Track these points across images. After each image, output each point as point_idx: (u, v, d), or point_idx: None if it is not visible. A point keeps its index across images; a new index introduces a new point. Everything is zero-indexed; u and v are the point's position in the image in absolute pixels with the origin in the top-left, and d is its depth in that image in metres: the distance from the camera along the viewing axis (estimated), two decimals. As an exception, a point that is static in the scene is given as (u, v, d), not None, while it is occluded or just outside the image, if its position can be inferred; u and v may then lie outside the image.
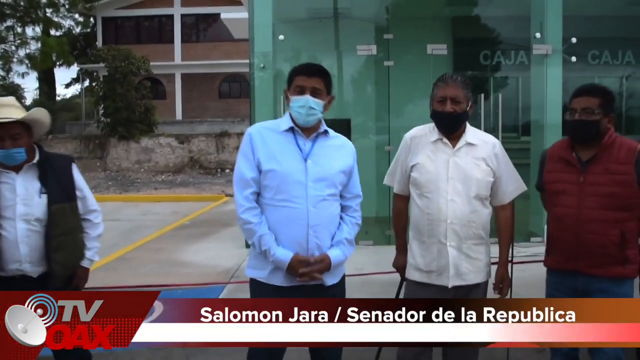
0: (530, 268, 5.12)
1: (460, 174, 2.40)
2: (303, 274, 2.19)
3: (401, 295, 2.69)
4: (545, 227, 6.57)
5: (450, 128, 2.43)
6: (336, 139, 2.37)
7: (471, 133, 2.48)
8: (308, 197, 2.19)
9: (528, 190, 7.56)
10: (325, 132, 2.33)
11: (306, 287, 2.22)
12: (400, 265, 2.61)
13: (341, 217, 2.34)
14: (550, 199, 2.57)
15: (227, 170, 18.76)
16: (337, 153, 2.32)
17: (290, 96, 2.26)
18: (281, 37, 6.63)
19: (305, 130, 2.28)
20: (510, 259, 2.80)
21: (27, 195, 2.47)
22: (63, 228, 2.54)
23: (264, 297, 2.21)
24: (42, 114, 2.57)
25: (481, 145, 2.46)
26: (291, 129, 2.27)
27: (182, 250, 6.64)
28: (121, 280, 4.96)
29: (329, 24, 7.72)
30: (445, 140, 2.44)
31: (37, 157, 2.52)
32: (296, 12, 7.50)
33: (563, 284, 2.50)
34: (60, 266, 2.54)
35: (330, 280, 2.28)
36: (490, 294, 2.59)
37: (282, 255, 2.18)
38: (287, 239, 2.20)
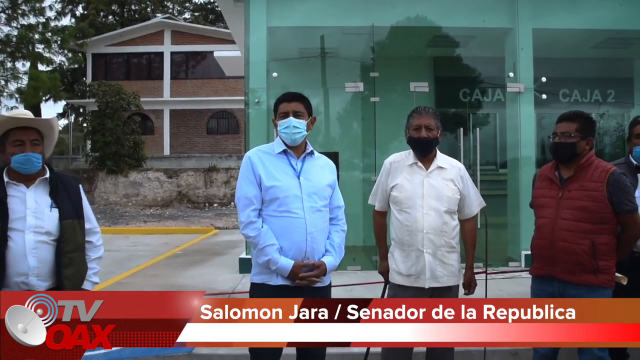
0: (507, 287, 5.48)
1: (433, 192, 2.84)
2: (303, 278, 2.51)
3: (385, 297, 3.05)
4: (522, 252, 6.95)
5: (425, 151, 2.89)
6: (320, 158, 2.76)
7: (441, 158, 2.94)
8: (305, 208, 2.55)
9: (506, 219, 7.87)
10: (312, 152, 2.71)
11: (303, 287, 2.53)
12: (384, 269, 3.02)
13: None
14: (535, 212, 2.94)
15: (216, 205, 18.96)
16: (323, 170, 2.71)
17: (277, 121, 2.65)
18: (275, 74, 7.05)
19: (295, 152, 2.65)
20: (485, 269, 3.22)
21: (37, 209, 2.44)
22: (73, 244, 2.52)
23: (265, 296, 2.48)
24: (57, 124, 2.64)
25: (450, 168, 2.92)
26: (284, 151, 2.64)
27: (177, 276, 6.83)
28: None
29: (319, 63, 8.19)
30: (419, 164, 2.89)
31: (47, 173, 2.53)
32: (288, 52, 7.96)
33: (543, 289, 2.82)
34: (70, 282, 2.51)
35: (321, 282, 2.60)
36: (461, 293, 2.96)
37: (284, 264, 2.50)
38: (289, 244, 2.53)
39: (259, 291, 2.58)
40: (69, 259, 2.48)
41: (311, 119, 2.69)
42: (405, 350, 2.85)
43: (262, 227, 2.54)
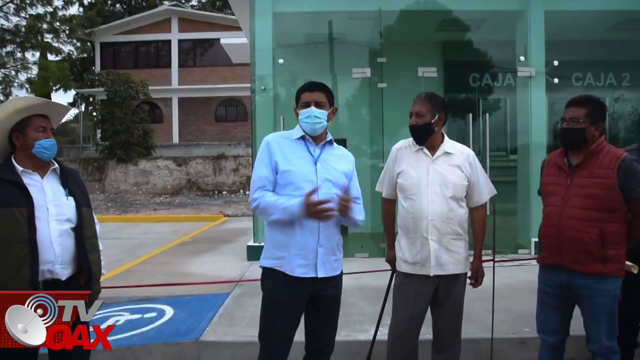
0: (516, 275, 5.43)
1: (439, 178, 2.78)
2: (317, 204, 2.40)
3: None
4: (532, 239, 6.87)
5: (417, 138, 2.84)
6: (339, 149, 2.74)
7: (449, 144, 2.87)
8: (319, 195, 2.50)
9: (516, 206, 7.78)
10: (331, 141, 2.69)
11: (313, 278, 2.50)
12: (391, 258, 2.98)
13: None
14: (543, 200, 2.86)
15: (225, 192, 19.00)
16: (340, 160, 2.69)
17: (299, 110, 2.63)
18: (281, 60, 6.97)
19: (314, 139, 2.63)
20: (493, 257, 3.17)
21: (55, 197, 2.47)
22: (91, 231, 2.58)
23: (277, 284, 2.50)
24: None
25: (457, 154, 2.84)
26: (302, 138, 2.62)
27: (186, 264, 6.85)
28: (131, 290, 5.18)
29: (326, 49, 8.09)
30: (425, 150, 2.83)
31: (56, 163, 2.56)
32: (294, 38, 7.87)
33: (550, 279, 2.75)
34: (96, 266, 2.55)
35: (332, 271, 2.58)
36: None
37: (295, 202, 2.43)
38: (302, 230, 2.50)
39: (270, 277, 2.55)
40: (90, 245, 2.55)
41: (332, 109, 2.67)
42: (411, 339, 2.83)
43: (264, 194, 2.52)
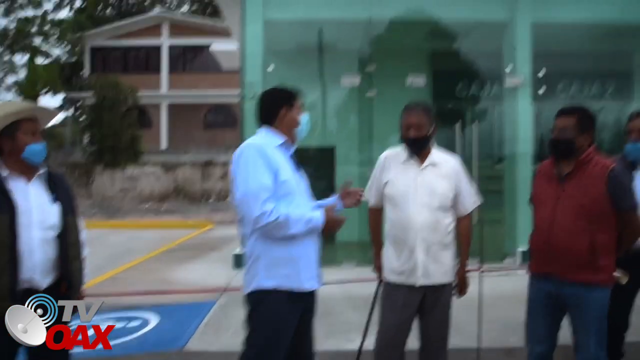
0: (502, 284, 5.43)
1: (426, 188, 2.77)
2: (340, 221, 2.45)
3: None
4: (519, 249, 6.91)
5: (416, 150, 2.82)
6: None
7: (436, 154, 2.87)
8: (307, 205, 2.48)
9: (502, 216, 7.80)
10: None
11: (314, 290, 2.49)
12: (378, 267, 2.96)
13: None
14: (534, 209, 2.86)
15: (212, 199, 18.91)
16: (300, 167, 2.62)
17: (298, 116, 2.52)
18: (270, 67, 6.98)
19: (290, 146, 2.55)
20: (479, 266, 3.18)
21: (40, 203, 2.39)
22: (74, 238, 2.50)
23: (282, 304, 2.36)
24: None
25: (444, 164, 2.84)
26: (282, 144, 2.49)
27: (172, 271, 6.80)
28: (116, 298, 5.11)
29: (315, 56, 8.12)
30: (413, 160, 2.83)
31: (43, 168, 2.48)
32: (284, 45, 7.88)
33: (540, 288, 2.76)
34: (78, 274, 2.49)
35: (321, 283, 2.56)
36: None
37: (317, 215, 2.40)
38: (308, 242, 2.43)
39: (273, 298, 2.34)
40: (73, 253, 2.47)
41: None
42: (398, 347, 2.82)
43: (275, 206, 2.30)
